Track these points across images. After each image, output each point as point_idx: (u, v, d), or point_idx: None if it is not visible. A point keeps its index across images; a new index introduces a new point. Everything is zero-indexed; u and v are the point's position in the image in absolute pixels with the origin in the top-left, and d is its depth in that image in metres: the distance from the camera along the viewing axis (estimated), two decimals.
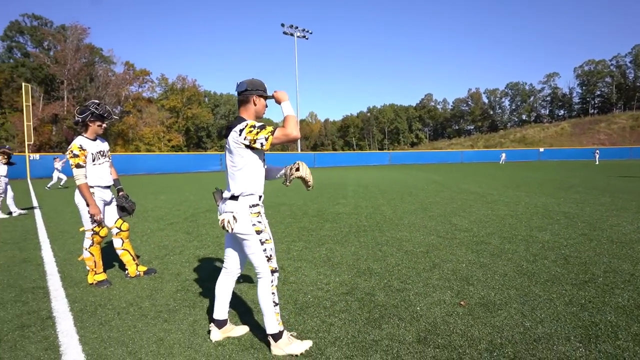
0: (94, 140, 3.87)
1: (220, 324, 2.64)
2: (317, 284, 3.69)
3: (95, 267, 3.83)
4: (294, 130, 2.27)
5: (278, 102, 2.44)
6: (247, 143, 2.31)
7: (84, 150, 3.72)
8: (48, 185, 17.07)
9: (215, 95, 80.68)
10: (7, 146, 9.22)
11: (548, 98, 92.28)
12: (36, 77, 48.96)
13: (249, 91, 2.45)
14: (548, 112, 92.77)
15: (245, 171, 2.38)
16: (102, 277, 3.87)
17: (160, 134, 58.87)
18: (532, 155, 48.86)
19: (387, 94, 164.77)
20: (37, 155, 26.98)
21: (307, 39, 44.65)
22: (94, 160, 3.81)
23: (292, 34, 43.29)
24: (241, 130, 2.31)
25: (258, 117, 2.52)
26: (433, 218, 7.06)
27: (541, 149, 50.34)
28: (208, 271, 4.21)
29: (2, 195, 8.87)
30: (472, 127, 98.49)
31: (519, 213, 7.38)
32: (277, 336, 2.42)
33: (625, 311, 2.88)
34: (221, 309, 2.65)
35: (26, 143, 25.60)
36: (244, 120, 2.41)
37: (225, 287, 2.66)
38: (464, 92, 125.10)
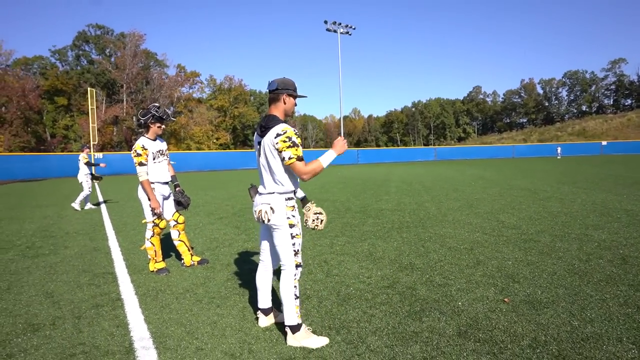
0: (154, 140, 4.24)
1: (266, 312, 2.84)
2: (359, 277, 3.79)
3: (155, 256, 4.21)
4: (308, 175, 2.41)
5: (331, 148, 2.57)
6: (277, 148, 2.40)
7: (145, 149, 4.09)
8: None
9: (261, 94, 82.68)
10: (87, 145, 10.39)
11: (612, 87, 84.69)
12: (99, 81, 53.12)
13: (280, 90, 2.52)
14: (612, 102, 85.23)
15: (280, 170, 2.48)
16: (162, 265, 4.24)
17: (209, 132, 61.49)
18: (594, 149, 45.32)
19: (433, 87, 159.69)
20: (100, 154, 29.37)
21: (350, 34, 44.44)
22: (154, 159, 4.18)
23: (335, 31, 43.30)
24: (278, 135, 2.39)
25: (287, 115, 2.60)
26: (479, 215, 6.89)
27: (604, 142, 46.54)
28: (255, 263, 4.46)
29: (89, 191, 9.85)
30: (525, 120, 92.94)
31: (573, 210, 6.99)
32: (295, 328, 2.51)
33: None
34: (264, 299, 2.84)
35: (91, 143, 27.96)
36: (276, 119, 2.48)
37: (264, 278, 2.84)
38: (516, 83, 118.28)
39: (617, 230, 5.36)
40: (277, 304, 3.04)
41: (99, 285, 3.83)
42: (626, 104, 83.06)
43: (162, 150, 4.32)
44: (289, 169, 2.49)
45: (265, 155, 2.48)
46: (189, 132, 58.98)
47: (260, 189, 2.62)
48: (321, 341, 2.50)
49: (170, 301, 3.36)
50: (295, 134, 2.42)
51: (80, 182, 9.85)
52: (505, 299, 3.09)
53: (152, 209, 4.09)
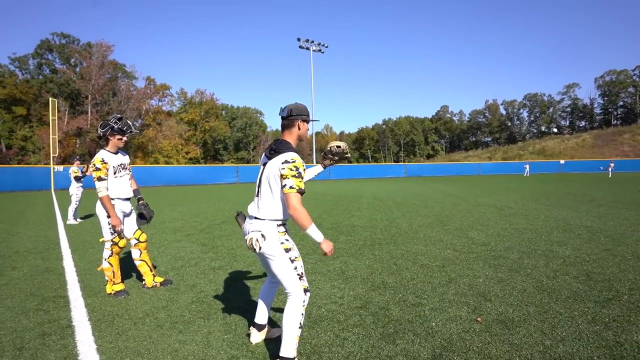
0: (116, 153, 4.00)
1: (260, 328, 2.75)
2: (330, 298, 3.67)
3: (113, 277, 3.91)
4: (295, 213, 2.27)
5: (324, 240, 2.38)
6: (281, 174, 2.30)
7: (105, 163, 3.85)
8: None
9: (232, 108, 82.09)
10: (77, 157, 10.01)
11: (568, 109, 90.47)
12: (63, 92, 50.98)
13: (294, 116, 2.47)
14: (568, 124, 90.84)
15: (278, 197, 2.38)
16: (120, 287, 3.95)
17: (178, 146, 60.12)
18: (553, 167, 47.74)
19: (403, 105, 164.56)
20: (61, 167, 27.88)
21: (322, 52, 45.21)
22: (115, 173, 3.93)
23: (307, 48, 43.92)
24: (286, 162, 2.30)
25: (301, 140, 2.57)
26: (449, 231, 6.96)
27: (562, 161, 49.16)
28: (223, 283, 4.25)
29: (77, 203, 9.74)
30: (490, 139, 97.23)
31: (538, 227, 7.21)
32: None
33: None
34: (261, 315, 2.76)
35: (51, 155, 26.54)
36: (288, 145, 2.42)
37: (266, 294, 2.77)
38: (481, 104, 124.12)
39: (579, 246, 5.53)
40: (271, 322, 3.00)
41: (48, 310, 3.50)
42: (580, 125, 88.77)
43: (124, 164, 4.07)
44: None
45: (268, 179, 2.39)
46: (157, 146, 57.39)
47: (252, 213, 2.47)
48: None
49: (128, 327, 3.09)
50: (303, 165, 2.38)
51: (70, 194, 9.81)
52: (478, 319, 3.06)
53: (112, 227, 3.82)
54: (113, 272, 3.91)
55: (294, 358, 2.32)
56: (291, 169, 2.29)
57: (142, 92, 58.46)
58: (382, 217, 9.10)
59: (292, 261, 2.40)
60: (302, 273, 2.43)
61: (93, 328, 3.09)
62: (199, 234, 7.37)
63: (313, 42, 44.07)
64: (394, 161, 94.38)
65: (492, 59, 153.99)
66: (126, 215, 4.08)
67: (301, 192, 2.30)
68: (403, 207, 11.33)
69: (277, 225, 2.41)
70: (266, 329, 2.81)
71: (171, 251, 5.92)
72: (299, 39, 43.33)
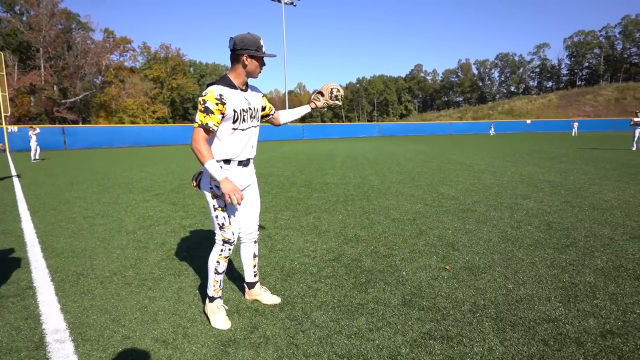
0: None
1: (250, 286, 2.68)
2: (304, 251, 3.68)
3: None
4: (193, 148, 2.16)
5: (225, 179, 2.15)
6: None
7: None
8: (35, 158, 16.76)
9: (201, 65, 78.37)
10: None
11: (537, 69, 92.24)
12: (9, 44, 46.57)
13: (238, 50, 2.17)
14: (536, 84, 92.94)
15: (212, 139, 2.27)
16: None
17: (144, 105, 57.20)
18: (519, 127, 49.23)
19: (377, 64, 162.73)
20: (15, 128, 26.05)
21: (294, 5, 43.09)
22: None
23: (279, 1, 41.69)
24: (200, 96, 2.17)
25: (252, 77, 2.31)
26: (420, 187, 7.09)
27: (528, 121, 50.71)
28: (194, 240, 4.17)
29: None
30: (461, 99, 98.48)
31: (504, 182, 7.46)
32: (209, 299, 2.44)
33: (604, 273, 2.95)
34: (247, 273, 2.67)
35: (2, 115, 24.65)
36: (220, 80, 2.24)
37: (243, 253, 2.65)
38: (454, 63, 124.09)
39: (542, 199, 5.78)
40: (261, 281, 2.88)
41: (5, 272, 3.32)
42: (547, 86, 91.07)
43: None
44: (218, 136, 2.26)
45: None
46: (121, 104, 54.39)
47: None
48: (220, 324, 2.33)
49: (94, 286, 2.99)
50: (217, 99, 2.12)
51: None
52: (447, 267, 3.16)
53: None
54: None
55: (213, 297, 2.42)
56: (200, 103, 2.16)
57: (100, 45, 54.34)
58: (355, 175, 9.14)
59: (215, 209, 2.33)
60: (223, 224, 2.35)
61: (56, 288, 2.97)
62: (169, 194, 7.17)
63: None
64: (368, 121, 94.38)
65: (467, 16, 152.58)
66: None
67: (205, 127, 2.13)
68: (376, 165, 11.43)
69: None
70: (256, 289, 2.67)
71: (139, 211, 5.73)
72: None
